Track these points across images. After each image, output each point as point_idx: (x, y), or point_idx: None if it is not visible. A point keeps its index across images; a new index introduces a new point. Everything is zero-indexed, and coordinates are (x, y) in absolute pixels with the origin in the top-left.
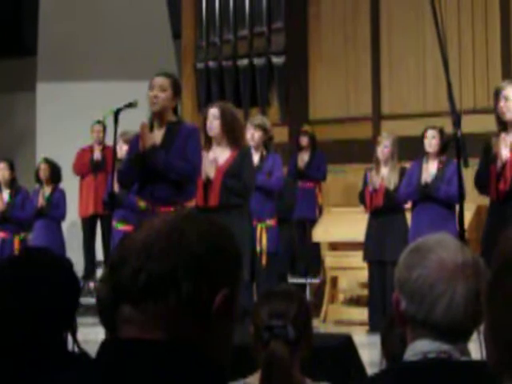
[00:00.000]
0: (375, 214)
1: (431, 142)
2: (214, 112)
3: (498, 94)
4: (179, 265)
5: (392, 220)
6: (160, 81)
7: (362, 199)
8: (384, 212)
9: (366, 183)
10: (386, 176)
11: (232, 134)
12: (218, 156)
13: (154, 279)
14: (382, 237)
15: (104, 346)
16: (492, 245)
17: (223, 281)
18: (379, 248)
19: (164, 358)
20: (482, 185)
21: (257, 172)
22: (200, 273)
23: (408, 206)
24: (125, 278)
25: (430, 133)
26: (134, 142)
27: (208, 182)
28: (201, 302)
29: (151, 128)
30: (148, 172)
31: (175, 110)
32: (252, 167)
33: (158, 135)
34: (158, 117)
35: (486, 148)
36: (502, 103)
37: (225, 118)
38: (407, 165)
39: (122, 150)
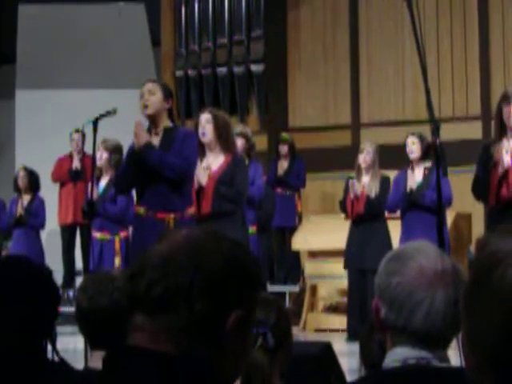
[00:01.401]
0: (356, 222)
1: (412, 148)
2: (206, 117)
3: (506, 98)
4: (195, 281)
5: (373, 228)
6: (148, 86)
7: (342, 207)
8: (365, 220)
9: (347, 191)
10: (367, 184)
11: (225, 138)
12: (212, 163)
13: (168, 293)
14: (362, 245)
15: (112, 351)
16: None
17: (239, 301)
18: (360, 256)
19: (168, 370)
20: (481, 191)
21: None
22: (215, 291)
23: (397, 214)
24: (141, 288)
25: (410, 139)
26: (131, 146)
27: (200, 190)
28: (214, 320)
29: (149, 134)
30: (144, 175)
31: (170, 115)
32: (245, 173)
33: (154, 141)
34: (152, 122)
35: (483, 153)
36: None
37: (217, 122)
38: (386, 173)
39: (103, 157)
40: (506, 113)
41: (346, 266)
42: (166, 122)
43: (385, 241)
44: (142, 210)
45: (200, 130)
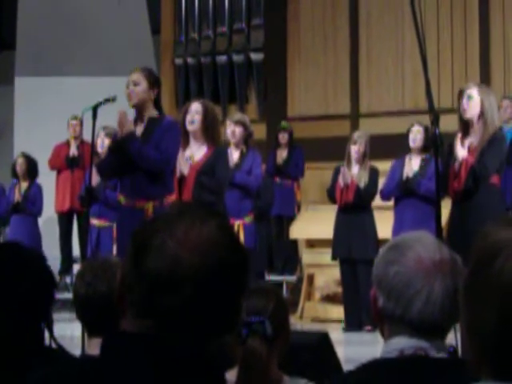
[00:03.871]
0: (343, 211)
1: (416, 137)
2: (196, 107)
3: (462, 93)
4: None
5: (360, 218)
6: (132, 76)
7: (330, 195)
8: (352, 209)
9: (335, 179)
10: (357, 174)
11: (211, 131)
12: (194, 152)
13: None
14: (349, 235)
15: (106, 337)
16: (453, 246)
17: (223, 293)
18: (347, 246)
19: (159, 354)
20: (443, 186)
21: (236, 169)
22: (201, 283)
23: (389, 203)
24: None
25: (416, 127)
26: (115, 135)
27: (182, 179)
28: (200, 310)
29: (135, 123)
30: (125, 164)
31: (157, 104)
32: (226, 165)
33: (138, 130)
34: (138, 111)
35: (449, 149)
36: (464, 101)
37: (207, 114)
38: (383, 163)
39: (105, 143)
40: (461, 106)
41: (333, 256)
42: (151, 112)
43: (371, 231)
44: (122, 198)
45: (188, 118)
